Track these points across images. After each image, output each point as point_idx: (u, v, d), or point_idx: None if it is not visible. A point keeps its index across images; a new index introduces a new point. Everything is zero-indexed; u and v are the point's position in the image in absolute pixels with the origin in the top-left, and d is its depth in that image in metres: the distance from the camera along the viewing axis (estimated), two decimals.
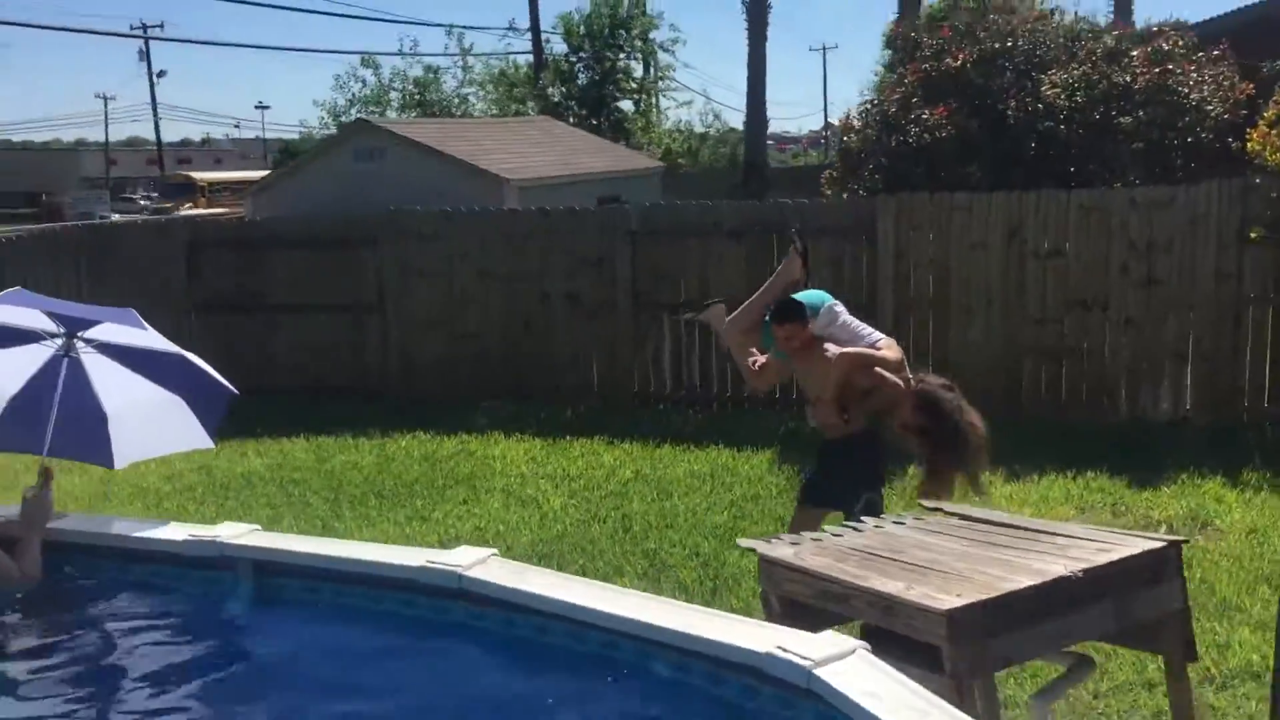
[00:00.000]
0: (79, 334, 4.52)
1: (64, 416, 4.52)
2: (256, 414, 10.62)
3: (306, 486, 8.60)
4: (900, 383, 4.89)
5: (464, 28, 53.63)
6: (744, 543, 4.40)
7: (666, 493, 8.09)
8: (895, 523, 4.52)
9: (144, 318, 11.98)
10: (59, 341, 4.49)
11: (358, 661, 3.69)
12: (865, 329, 5.10)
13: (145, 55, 56.78)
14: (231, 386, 4.87)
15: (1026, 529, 4.30)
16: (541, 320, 10.80)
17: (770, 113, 42.66)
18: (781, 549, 4.20)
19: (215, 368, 11.57)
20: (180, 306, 11.68)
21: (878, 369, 4.92)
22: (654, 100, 35.04)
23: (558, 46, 33.32)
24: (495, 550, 3.86)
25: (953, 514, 4.56)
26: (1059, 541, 4.09)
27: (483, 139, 18.39)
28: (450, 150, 16.16)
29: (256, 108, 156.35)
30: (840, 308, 5.12)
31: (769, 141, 41.13)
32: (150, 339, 4.66)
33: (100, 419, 4.59)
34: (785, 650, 3.06)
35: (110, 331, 4.59)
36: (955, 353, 9.62)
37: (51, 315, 4.48)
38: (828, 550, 4.15)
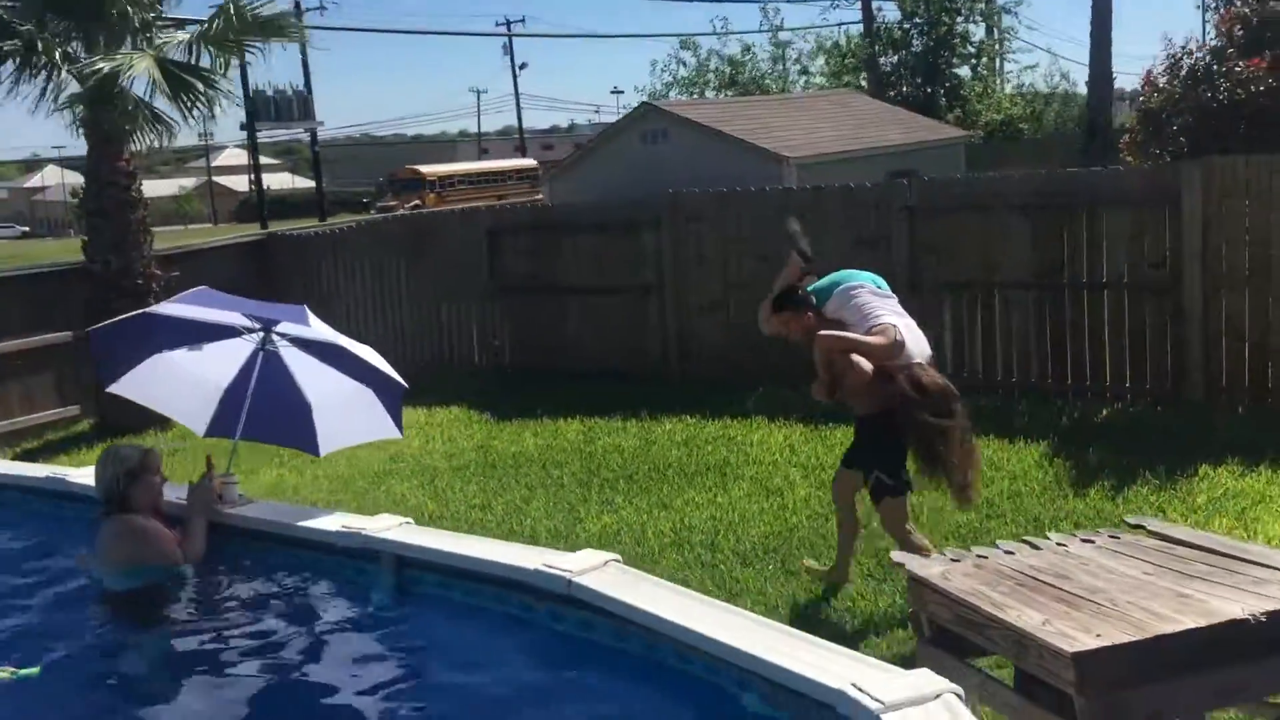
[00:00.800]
0: (272, 329, 4.82)
1: (270, 406, 4.87)
2: (545, 395, 11.11)
3: (566, 468, 8.83)
4: (866, 369, 5.16)
5: (781, 1, 53.37)
6: (896, 557, 4.06)
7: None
8: (1084, 540, 4.02)
9: (452, 302, 12.78)
10: (257, 336, 4.81)
11: (476, 658, 3.72)
12: (878, 311, 5.33)
13: (509, 50, 60.30)
14: (402, 380, 5.03)
15: (1235, 556, 3.68)
16: None
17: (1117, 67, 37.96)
18: (932, 566, 3.84)
19: (513, 350, 12.24)
20: (483, 291, 12.35)
21: (854, 354, 5.16)
22: (996, 64, 33.23)
23: (889, 14, 32.38)
24: (617, 557, 3.76)
25: (1155, 533, 4.00)
26: (1261, 574, 3.48)
27: (769, 116, 18.13)
28: (731, 129, 16.06)
29: (611, 93, 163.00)
30: (859, 290, 5.45)
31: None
32: (331, 334, 4.91)
33: (305, 409, 4.89)
34: (859, 689, 2.77)
35: (297, 327, 4.88)
36: (1277, 337, 8.49)
37: (241, 311, 4.82)
38: (983, 571, 3.75)
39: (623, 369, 11.47)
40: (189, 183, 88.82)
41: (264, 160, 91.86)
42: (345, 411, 5.01)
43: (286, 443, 5.22)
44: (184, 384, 4.80)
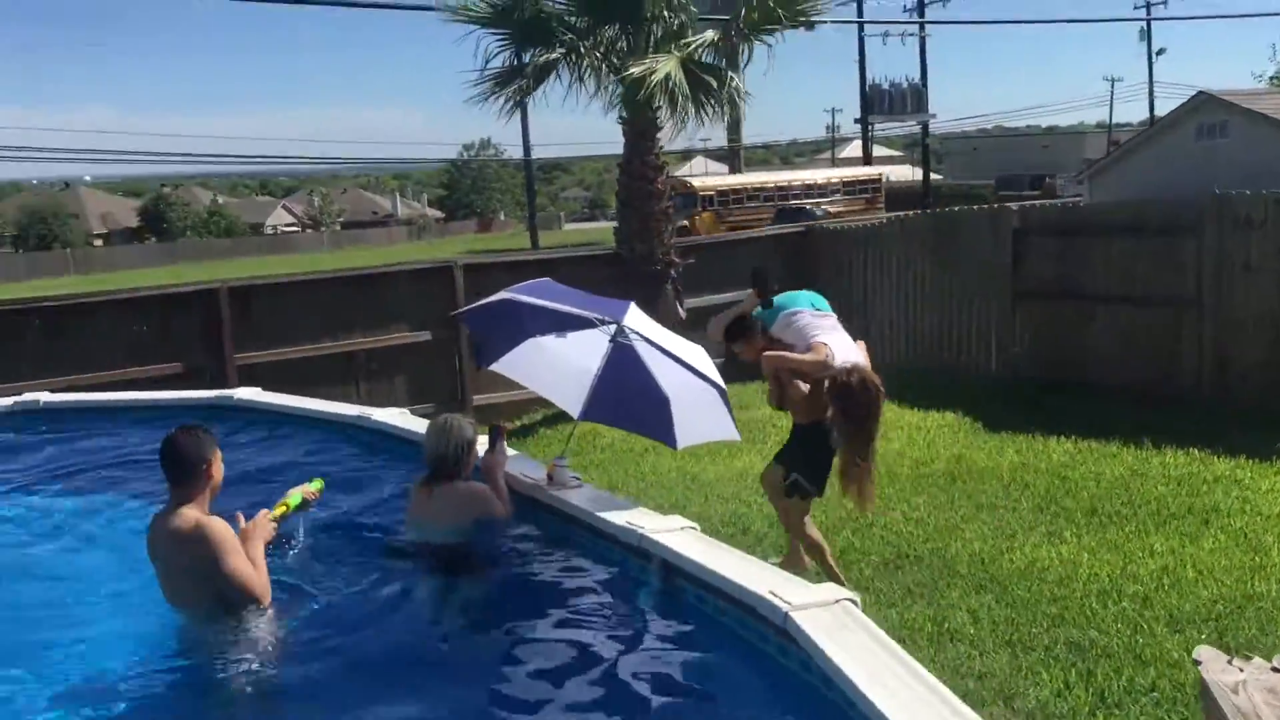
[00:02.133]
0: (620, 321, 4.99)
1: (630, 396, 5.07)
2: (1050, 410, 10.34)
3: (1029, 490, 8.14)
4: (802, 385, 6.11)
5: None
6: (1200, 652, 3.29)
7: None
8: None
9: (972, 304, 12.35)
10: (610, 328, 5.01)
11: (703, 675, 3.63)
12: (813, 331, 6.03)
13: (1146, 35, 55.88)
14: (722, 383, 4.95)
15: None
16: None
17: None
18: (1230, 674, 3.07)
19: (1030, 359, 11.55)
20: (1004, 293, 11.72)
21: (791, 369, 6.02)
22: None
23: None
24: (853, 596, 3.46)
25: None
26: None
27: None
28: None
29: (1254, 78, 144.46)
30: (799, 314, 6.17)
31: None
32: (665, 332, 4.96)
33: (662, 401, 5.02)
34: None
35: (641, 321, 5.00)
36: None
37: (585, 304, 5.03)
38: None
39: (1147, 388, 10.31)
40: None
41: (887, 153, 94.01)
42: (697, 407, 5.07)
43: (645, 432, 5.37)
44: (557, 369, 5.12)
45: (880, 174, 48.36)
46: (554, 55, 10.62)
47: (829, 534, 7.36)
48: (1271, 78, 30.45)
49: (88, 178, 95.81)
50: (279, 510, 4.41)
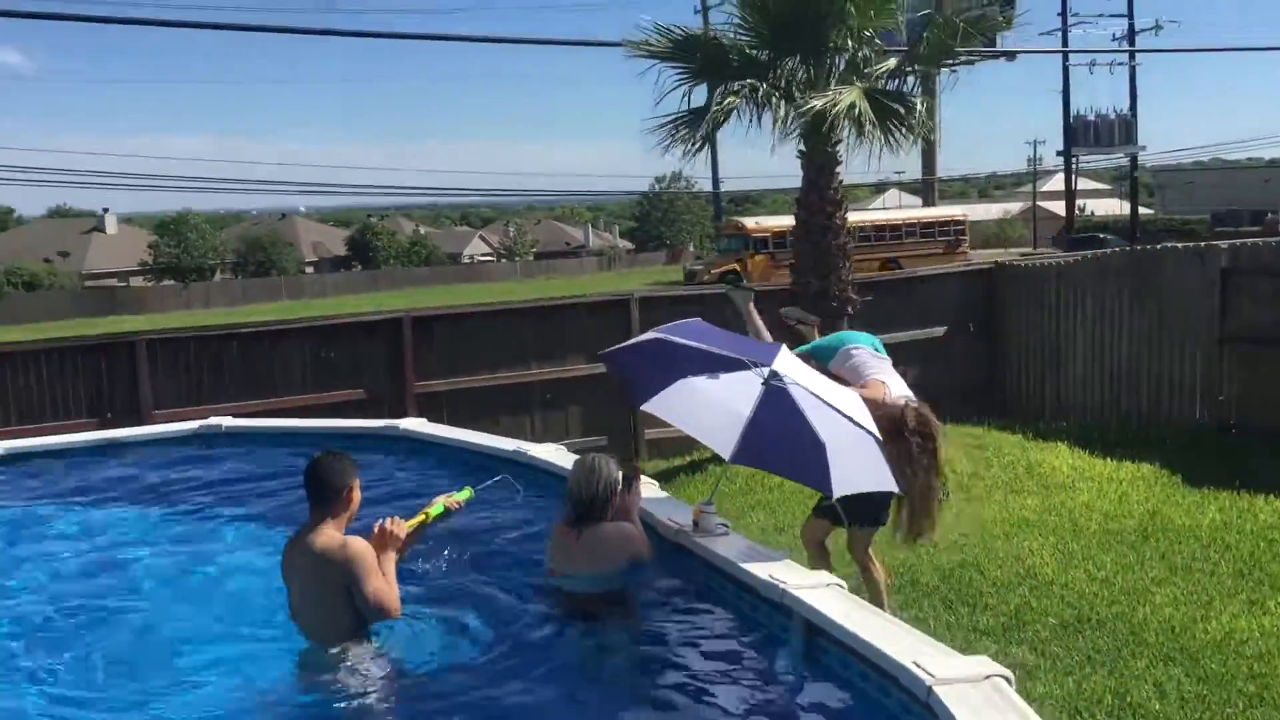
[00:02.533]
0: (771, 364, 4.82)
1: (784, 441, 4.90)
2: (1260, 462, 9.60)
3: (1231, 553, 7.51)
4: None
5: None
6: None
7: None
8: None
9: (1173, 347, 11.64)
10: (763, 371, 4.85)
11: None
12: (870, 369, 6.13)
13: None
14: (878, 433, 4.69)
15: None
16: None
17: None
18: None
19: (1240, 408, 10.80)
20: (1210, 336, 10.96)
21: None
22: None
23: None
24: (1007, 674, 3.20)
25: None
26: None
27: None
28: None
29: None
30: (859, 351, 6.31)
31: None
32: (818, 376, 4.75)
33: (817, 447, 4.82)
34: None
35: (793, 365, 4.81)
36: None
37: (735, 346, 4.87)
38: None
39: None
40: (1014, 207, 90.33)
41: (1094, 186, 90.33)
42: (854, 455, 4.84)
43: (800, 478, 5.16)
44: (709, 410, 4.99)
45: (964, 215, 44.18)
46: (732, 89, 10.53)
47: (1004, 592, 6.96)
48: None
49: (302, 208, 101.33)
50: (418, 519, 4.47)
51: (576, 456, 5.10)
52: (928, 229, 41.59)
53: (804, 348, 6.45)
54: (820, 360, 6.23)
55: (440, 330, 11.28)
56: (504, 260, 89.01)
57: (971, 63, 10.63)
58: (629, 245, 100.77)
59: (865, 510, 5.91)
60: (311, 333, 10.95)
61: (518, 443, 6.53)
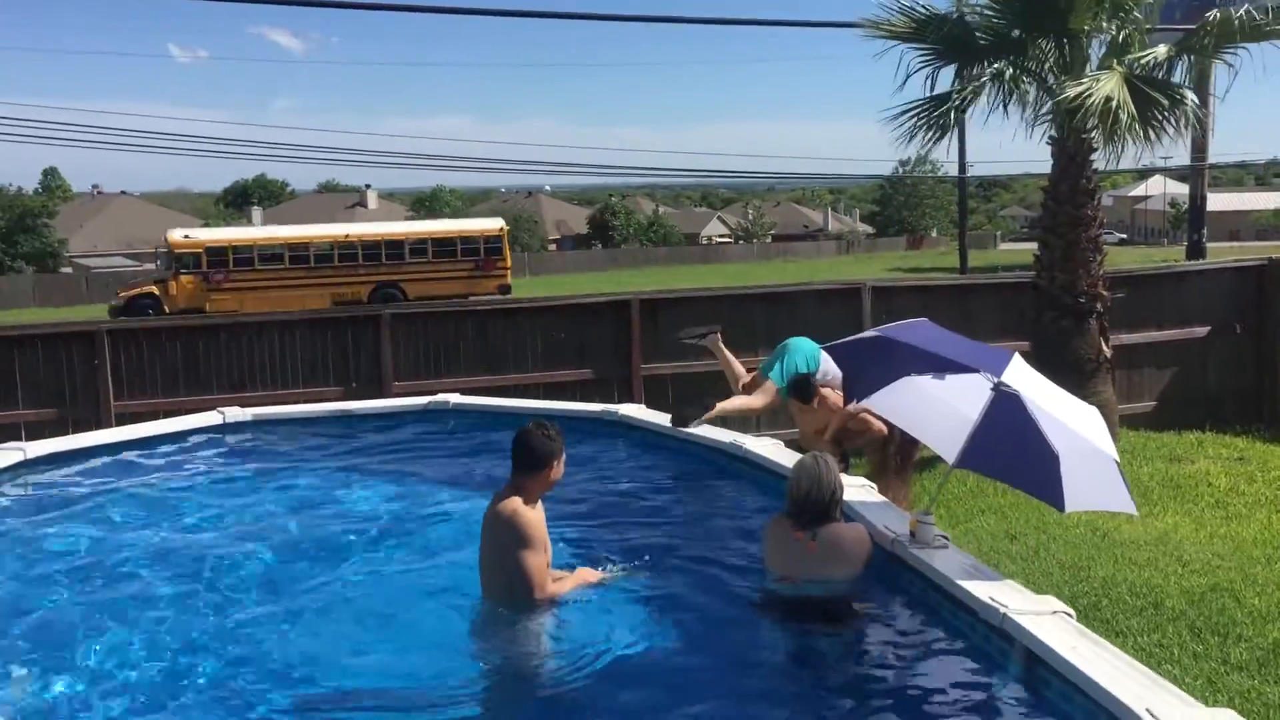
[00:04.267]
0: (1000, 374, 4.51)
1: (1013, 449, 4.60)
2: None
3: None
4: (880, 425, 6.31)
5: None
6: None
7: None
8: None
9: None
10: (993, 376, 4.54)
11: None
12: (833, 368, 6.05)
13: None
14: (1115, 454, 4.28)
15: None
16: None
17: None
18: None
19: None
20: None
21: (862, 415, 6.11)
22: None
23: None
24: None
25: None
26: None
27: None
28: None
29: None
30: (824, 355, 6.19)
31: None
32: (1052, 387, 4.38)
33: (1052, 459, 4.50)
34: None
35: (1024, 375, 4.47)
36: None
37: (964, 349, 4.56)
38: None
39: None
40: None
41: None
42: (1088, 470, 4.48)
43: (1027, 488, 4.80)
44: (933, 410, 4.72)
45: (501, 229, 36.93)
46: (981, 72, 9.99)
47: (1262, 623, 6.33)
48: None
49: (548, 187, 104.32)
50: (604, 577, 4.51)
51: (797, 456, 4.93)
52: (445, 245, 35.54)
53: (768, 371, 6.62)
54: (792, 371, 6.38)
55: (668, 313, 11.26)
56: (741, 242, 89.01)
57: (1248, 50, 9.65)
58: (869, 229, 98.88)
59: None
60: (543, 312, 11.16)
61: (735, 435, 6.40)
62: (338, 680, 3.89)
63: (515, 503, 4.26)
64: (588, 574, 4.45)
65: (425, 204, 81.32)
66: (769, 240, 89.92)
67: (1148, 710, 2.91)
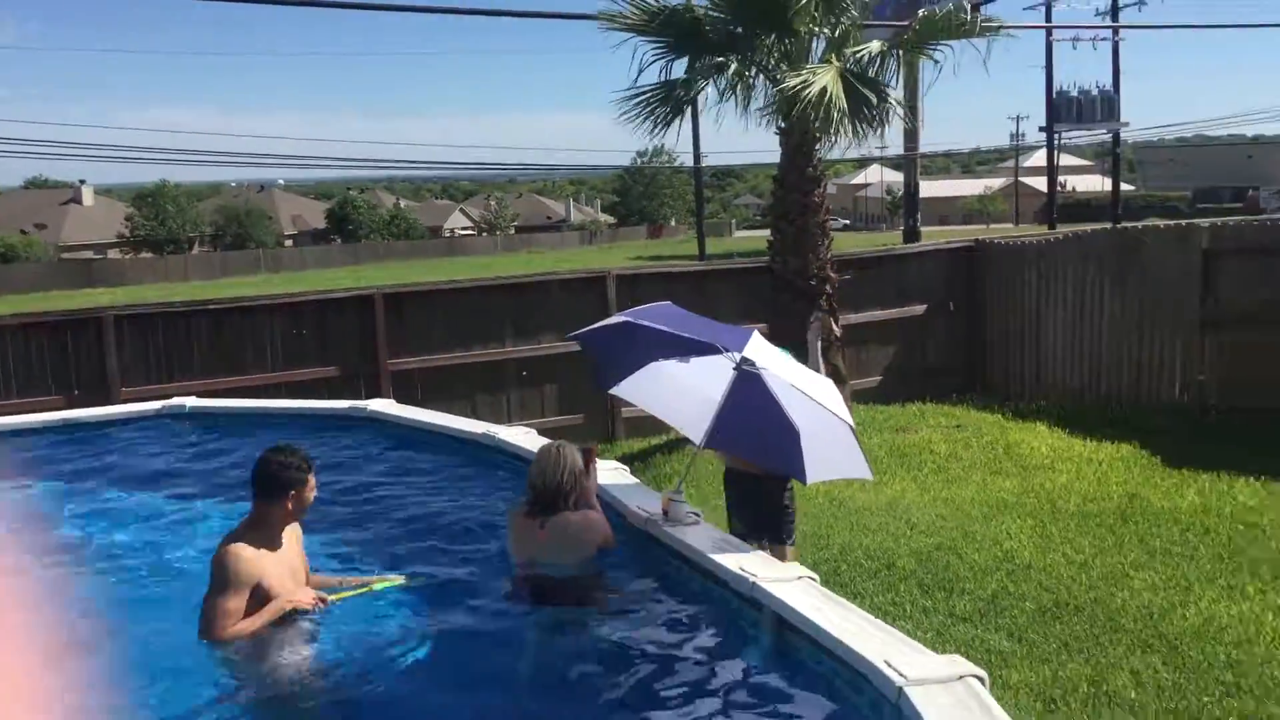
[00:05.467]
0: (742, 350, 4.70)
1: (757, 427, 4.79)
2: (1241, 446, 9.55)
3: (1210, 536, 7.45)
4: None
5: None
6: None
7: None
8: None
9: (1153, 328, 11.61)
10: (734, 356, 4.72)
11: None
12: None
13: None
14: (851, 420, 4.58)
15: None
16: None
17: None
18: None
19: (1221, 390, 10.73)
20: (1191, 317, 10.89)
21: None
22: None
23: None
24: (981, 673, 3.09)
25: None
26: None
27: None
28: None
29: None
30: None
31: None
32: (792, 362, 4.63)
33: (793, 434, 4.71)
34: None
35: (764, 351, 4.69)
36: None
37: (707, 331, 4.74)
38: None
39: None
40: (996, 183, 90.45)
41: (1075, 162, 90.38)
42: (828, 442, 4.74)
43: (773, 464, 5.04)
44: (679, 394, 4.87)
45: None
46: (707, 65, 10.32)
47: (981, 576, 6.88)
48: None
49: (281, 181, 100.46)
50: (351, 592, 4.34)
51: (544, 442, 4.97)
52: None
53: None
54: None
55: (413, 306, 11.09)
56: (485, 234, 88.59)
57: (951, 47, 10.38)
58: (610, 220, 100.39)
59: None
60: (282, 309, 10.75)
61: (487, 425, 6.39)
62: None
63: (224, 543, 4.06)
64: (304, 598, 4.18)
65: (148, 199, 76.58)
66: (513, 232, 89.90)
67: (886, 662, 3.11)
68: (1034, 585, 6.73)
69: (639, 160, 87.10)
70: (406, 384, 10.81)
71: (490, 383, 11.32)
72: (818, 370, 7.84)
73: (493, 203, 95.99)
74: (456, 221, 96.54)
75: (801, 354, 7.86)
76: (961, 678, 3.03)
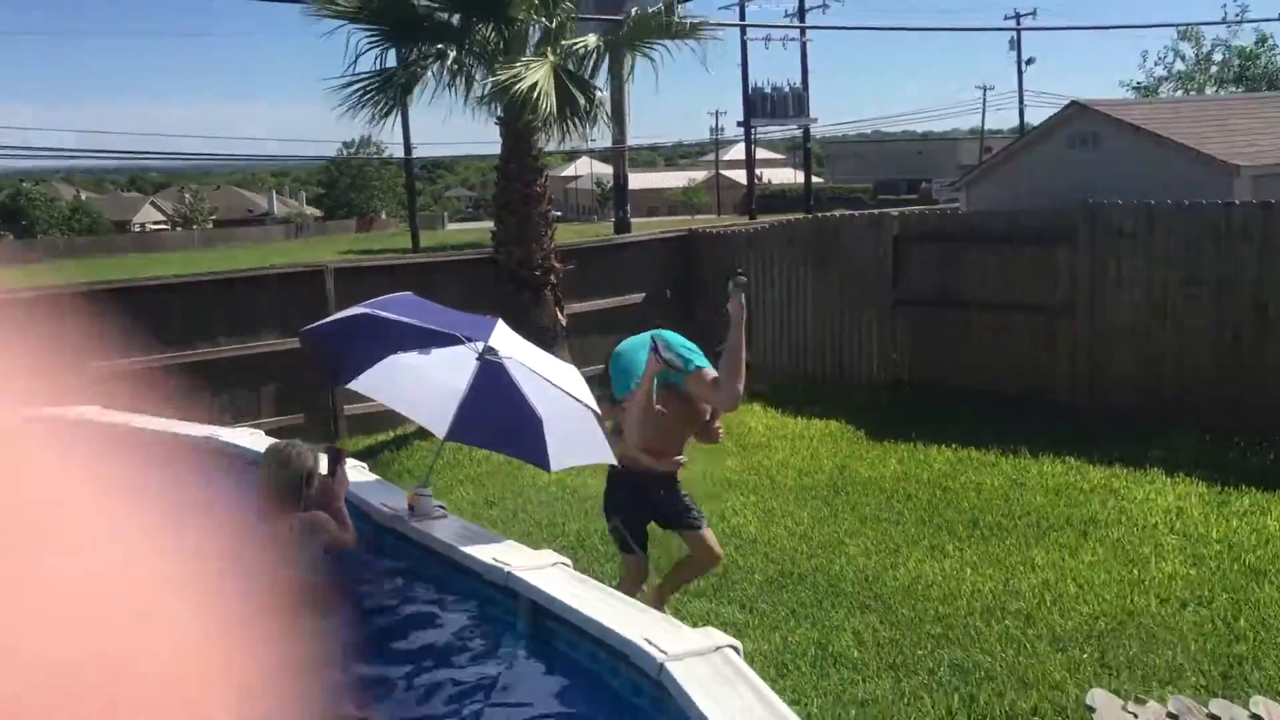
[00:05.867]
0: (486, 339, 4.70)
1: (501, 417, 4.77)
2: (932, 417, 10.32)
3: (912, 502, 8.07)
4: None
5: None
6: (1094, 697, 3.14)
7: None
8: None
9: (853, 310, 12.33)
10: (477, 345, 4.71)
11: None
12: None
13: (1016, 44, 57.27)
14: (596, 407, 4.70)
15: None
16: (1256, 339, 8.82)
17: None
18: None
19: (912, 367, 11.52)
20: (885, 300, 11.71)
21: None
22: None
23: None
24: (734, 643, 3.22)
25: None
26: None
27: (1231, 119, 15.25)
28: (1172, 133, 13.68)
29: (1121, 86, 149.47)
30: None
31: None
32: (535, 350, 4.69)
33: (535, 422, 4.71)
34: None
35: (508, 339, 4.72)
36: None
37: (449, 320, 4.73)
38: None
39: (1024, 396, 10.36)
40: (699, 175, 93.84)
41: (771, 155, 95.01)
42: (571, 429, 4.80)
43: (517, 453, 5.08)
44: (421, 387, 4.82)
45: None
46: (425, 54, 10.20)
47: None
48: (1137, 86, 31.42)
49: None
50: None
51: (271, 442, 4.78)
52: None
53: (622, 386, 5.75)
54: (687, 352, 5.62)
55: (117, 306, 10.35)
56: (180, 229, 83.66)
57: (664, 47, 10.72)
58: (317, 213, 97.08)
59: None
60: None
61: (209, 429, 6.07)
62: None
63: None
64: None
65: None
66: (210, 226, 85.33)
67: (647, 640, 3.20)
68: (761, 557, 7.08)
69: (345, 151, 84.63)
70: (118, 389, 10.08)
71: (202, 384, 10.73)
72: None
73: (188, 195, 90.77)
74: (148, 215, 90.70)
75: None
76: (718, 649, 3.16)
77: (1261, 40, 29.58)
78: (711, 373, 5.55)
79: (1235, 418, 8.87)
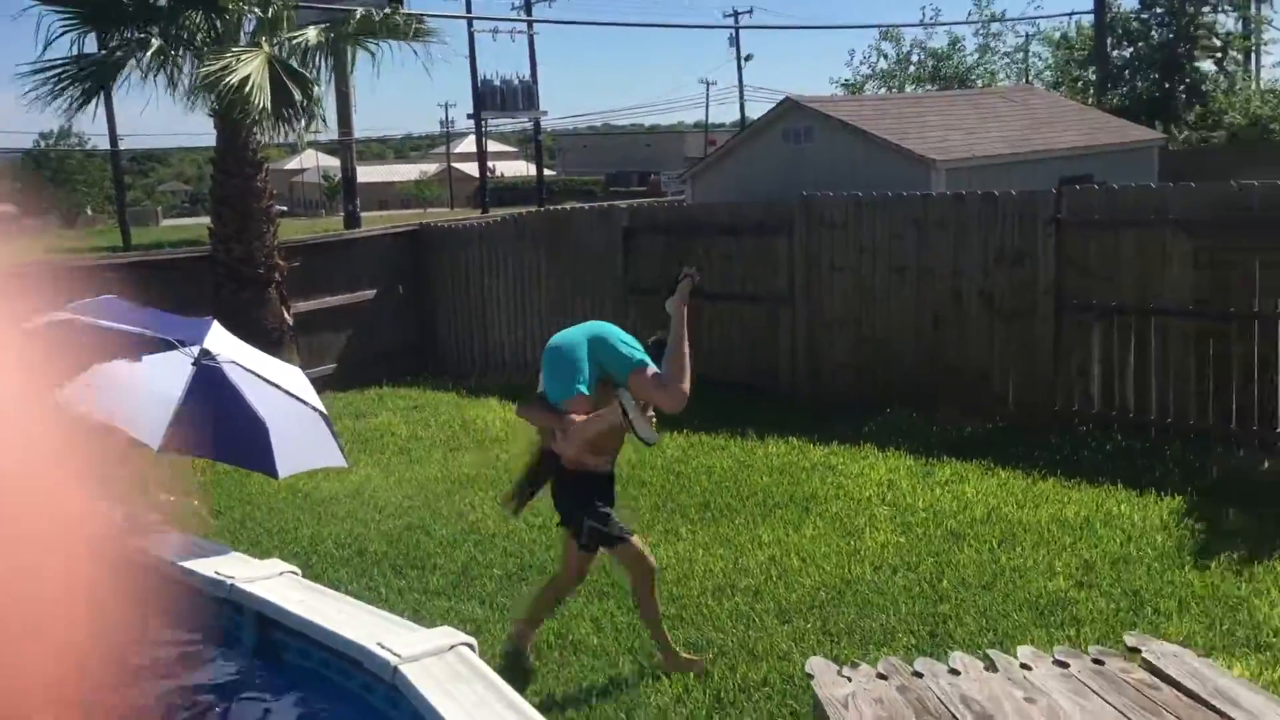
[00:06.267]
0: (201, 343, 4.51)
1: (224, 424, 4.57)
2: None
3: (648, 489, 8.29)
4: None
5: None
6: (812, 665, 3.35)
7: (1012, 541, 6.71)
8: (1058, 663, 3.21)
9: (587, 302, 12.49)
10: (193, 350, 4.50)
11: None
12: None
13: (735, 41, 59.59)
14: (322, 408, 4.62)
15: (1220, 712, 2.80)
16: (953, 322, 9.56)
17: None
18: (840, 686, 3.11)
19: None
20: (617, 291, 11.93)
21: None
22: (1248, 59, 30.19)
23: (1125, 2, 29.82)
24: (469, 640, 3.22)
25: (1149, 665, 3.13)
26: None
27: (929, 115, 16.62)
28: (876, 129, 14.79)
29: (831, 82, 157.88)
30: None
31: None
32: (255, 353, 4.56)
33: (259, 428, 4.55)
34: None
35: (225, 342, 4.55)
36: None
37: (159, 323, 4.52)
38: (896, 702, 3.00)
39: (751, 382, 10.82)
40: (431, 168, 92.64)
41: (503, 148, 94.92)
42: (298, 433, 4.68)
43: (242, 462, 4.92)
44: (133, 395, 4.56)
45: None
46: (129, 40, 9.60)
47: (451, 550, 7.12)
48: (846, 84, 33.40)
49: None
50: None
51: None
52: None
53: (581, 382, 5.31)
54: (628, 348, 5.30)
55: None
56: None
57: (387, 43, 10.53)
58: (13, 208, 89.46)
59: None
60: None
61: None
62: None
63: None
64: None
65: None
66: None
67: (379, 644, 3.16)
68: (499, 553, 7.09)
69: (42, 143, 78.43)
70: None
71: None
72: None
73: None
74: None
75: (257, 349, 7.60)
76: (453, 647, 3.15)
77: (953, 42, 32.16)
78: (654, 369, 5.21)
79: (937, 395, 9.57)
